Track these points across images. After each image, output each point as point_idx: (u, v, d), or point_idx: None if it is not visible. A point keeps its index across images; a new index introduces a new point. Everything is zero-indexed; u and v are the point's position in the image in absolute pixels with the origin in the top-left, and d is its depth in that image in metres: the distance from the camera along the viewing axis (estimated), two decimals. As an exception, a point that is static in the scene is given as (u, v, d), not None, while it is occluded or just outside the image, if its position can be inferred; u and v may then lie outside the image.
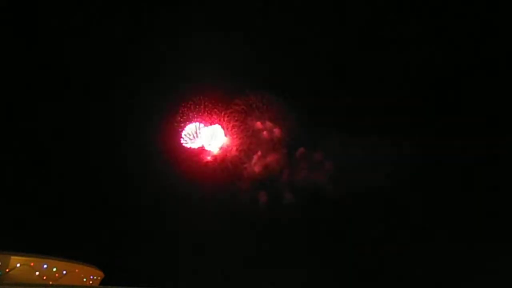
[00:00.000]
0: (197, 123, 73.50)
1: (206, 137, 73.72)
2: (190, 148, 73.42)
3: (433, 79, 77.05)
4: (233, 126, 74.42)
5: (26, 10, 73.29)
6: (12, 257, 51.73)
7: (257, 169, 74.78)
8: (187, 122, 73.52)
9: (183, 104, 73.20)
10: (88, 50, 74.60)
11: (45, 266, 53.66)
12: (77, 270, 57.63)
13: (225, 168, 74.31)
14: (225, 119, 74.21)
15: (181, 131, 73.32)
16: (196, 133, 72.96)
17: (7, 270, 51.06)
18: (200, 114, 73.63)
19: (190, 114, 73.43)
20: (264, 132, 75.21)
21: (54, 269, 54.50)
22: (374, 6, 75.95)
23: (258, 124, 75.05)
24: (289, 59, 77.22)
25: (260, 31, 76.37)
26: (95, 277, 61.65)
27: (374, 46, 77.01)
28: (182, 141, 73.24)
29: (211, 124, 73.92)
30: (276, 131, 75.33)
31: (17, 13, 73.01)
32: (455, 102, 76.75)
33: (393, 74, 76.45)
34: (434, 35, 76.89)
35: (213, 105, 73.67)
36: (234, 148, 74.39)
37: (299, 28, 76.81)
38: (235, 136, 74.35)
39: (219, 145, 73.91)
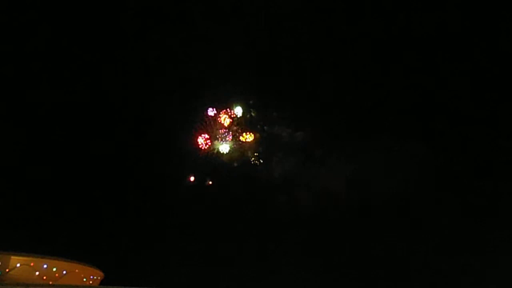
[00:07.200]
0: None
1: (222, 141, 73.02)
2: (204, 150, 72.68)
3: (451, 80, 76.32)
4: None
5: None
6: (12, 257, 51.46)
7: (273, 172, 74.65)
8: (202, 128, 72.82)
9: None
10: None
11: (45, 266, 53.37)
12: (77, 270, 57.38)
13: (241, 169, 73.93)
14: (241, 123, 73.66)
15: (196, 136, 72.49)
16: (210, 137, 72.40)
17: (7, 270, 50.88)
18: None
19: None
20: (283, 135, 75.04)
21: (54, 269, 54.21)
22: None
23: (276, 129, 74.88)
24: (302, 62, 77.16)
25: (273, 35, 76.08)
26: (95, 277, 61.44)
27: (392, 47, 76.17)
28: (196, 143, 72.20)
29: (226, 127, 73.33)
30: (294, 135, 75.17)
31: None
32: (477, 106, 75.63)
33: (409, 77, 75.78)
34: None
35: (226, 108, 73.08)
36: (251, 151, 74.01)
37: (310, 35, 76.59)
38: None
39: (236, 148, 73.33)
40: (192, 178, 70.97)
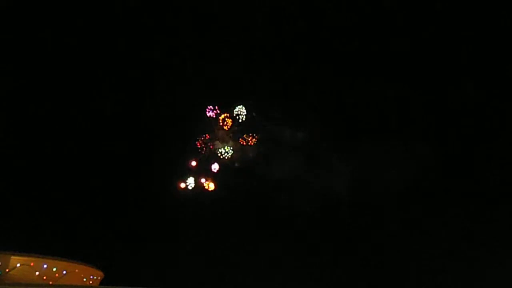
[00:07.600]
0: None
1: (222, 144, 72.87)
2: (204, 151, 72.47)
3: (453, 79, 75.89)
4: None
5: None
6: (12, 257, 51.72)
7: (274, 172, 74.57)
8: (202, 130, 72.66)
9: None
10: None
11: (45, 266, 53.63)
12: (77, 270, 57.60)
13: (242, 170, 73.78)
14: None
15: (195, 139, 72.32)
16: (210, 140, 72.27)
17: (7, 270, 51.06)
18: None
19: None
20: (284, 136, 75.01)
21: (54, 269, 54.47)
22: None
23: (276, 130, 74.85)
24: (303, 62, 77.09)
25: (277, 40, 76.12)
26: (95, 277, 61.65)
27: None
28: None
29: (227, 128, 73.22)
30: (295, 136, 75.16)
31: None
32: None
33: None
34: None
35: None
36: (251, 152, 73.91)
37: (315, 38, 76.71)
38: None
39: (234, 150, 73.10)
40: (192, 179, 70.85)
